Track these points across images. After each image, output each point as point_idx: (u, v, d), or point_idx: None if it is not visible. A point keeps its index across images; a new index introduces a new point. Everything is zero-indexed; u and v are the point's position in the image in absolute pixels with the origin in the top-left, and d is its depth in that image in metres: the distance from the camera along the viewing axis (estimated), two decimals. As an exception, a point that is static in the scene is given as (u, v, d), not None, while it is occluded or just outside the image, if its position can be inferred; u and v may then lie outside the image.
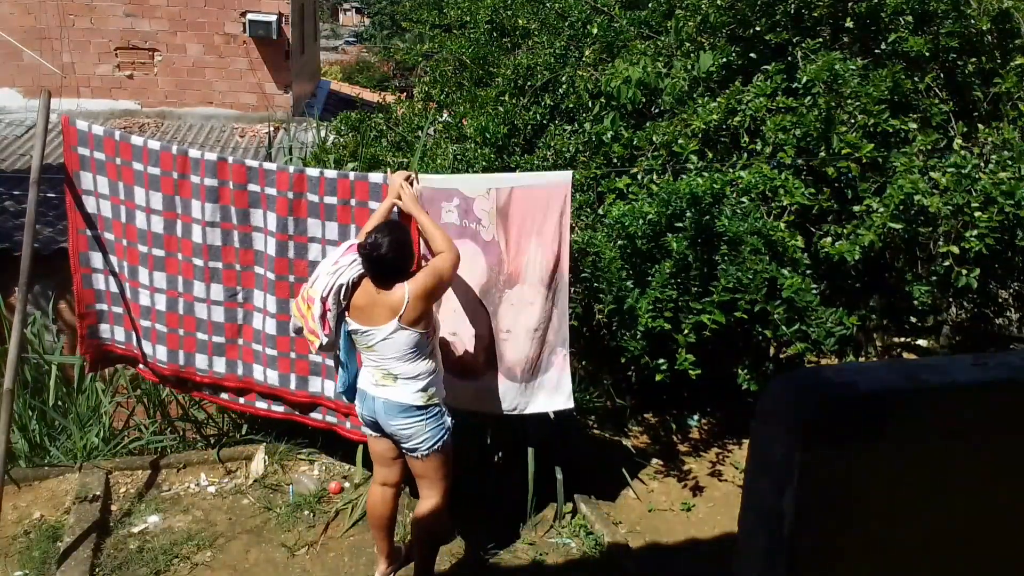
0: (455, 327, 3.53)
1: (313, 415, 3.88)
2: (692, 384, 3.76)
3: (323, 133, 5.92)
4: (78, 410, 4.35)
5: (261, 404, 3.94)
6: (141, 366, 4.10)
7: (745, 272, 3.26)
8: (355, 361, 3.27)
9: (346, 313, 3.08)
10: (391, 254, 2.90)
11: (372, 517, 3.32)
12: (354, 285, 3.04)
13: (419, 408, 3.02)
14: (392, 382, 3.02)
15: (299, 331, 3.21)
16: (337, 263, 3.07)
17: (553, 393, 3.53)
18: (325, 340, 3.11)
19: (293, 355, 3.73)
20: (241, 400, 3.97)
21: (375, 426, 3.14)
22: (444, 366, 3.62)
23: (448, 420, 3.14)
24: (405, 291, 2.92)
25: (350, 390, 3.31)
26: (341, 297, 3.04)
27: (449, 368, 3.60)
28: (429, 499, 3.18)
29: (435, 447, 3.08)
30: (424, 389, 3.03)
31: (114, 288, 3.94)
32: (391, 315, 2.93)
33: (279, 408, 3.92)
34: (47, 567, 3.44)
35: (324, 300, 3.03)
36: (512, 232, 3.35)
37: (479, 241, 3.41)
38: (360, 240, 3.02)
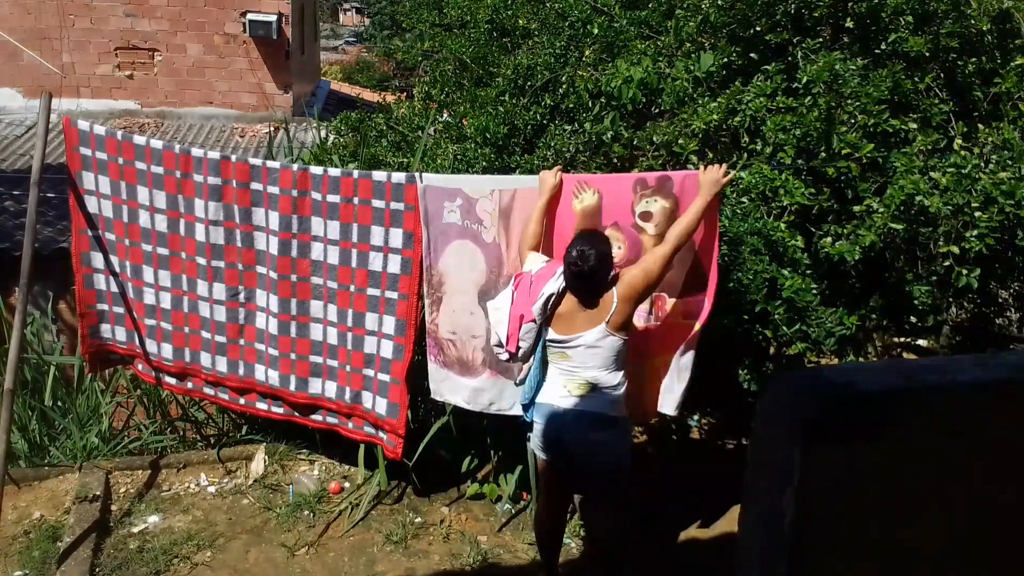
0: (453, 327, 3.53)
1: (314, 416, 3.88)
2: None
3: (323, 133, 5.92)
4: (78, 410, 4.35)
5: (261, 405, 3.94)
6: (140, 367, 4.10)
7: (745, 272, 3.26)
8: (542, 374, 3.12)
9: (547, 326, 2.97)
10: (599, 266, 2.80)
11: (540, 536, 3.34)
12: (558, 297, 2.94)
13: (613, 419, 2.92)
14: (589, 391, 2.90)
15: (499, 345, 3.09)
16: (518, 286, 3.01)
17: None
18: (507, 356, 3.06)
19: (293, 356, 3.74)
20: (242, 400, 3.98)
21: (557, 445, 3.01)
22: (444, 363, 3.61)
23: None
24: (613, 295, 2.82)
25: (531, 404, 3.14)
26: (548, 308, 2.94)
27: (448, 366, 3.61)
28: (614, 510, 3.16)
29: (625, 463, 2.99)
30: (620, 400, 2.92)
31: (115, 288, 3.95)
32: (598, 320, 2.83)
33: (279, 409, 3.92)
34: (47, 567, 3.44)
35: (521, 317, 2.95)
36: (513, 234, 3.36)
37: (480, 242, 3.41)
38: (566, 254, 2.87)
